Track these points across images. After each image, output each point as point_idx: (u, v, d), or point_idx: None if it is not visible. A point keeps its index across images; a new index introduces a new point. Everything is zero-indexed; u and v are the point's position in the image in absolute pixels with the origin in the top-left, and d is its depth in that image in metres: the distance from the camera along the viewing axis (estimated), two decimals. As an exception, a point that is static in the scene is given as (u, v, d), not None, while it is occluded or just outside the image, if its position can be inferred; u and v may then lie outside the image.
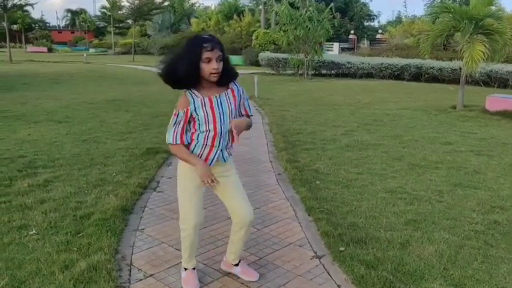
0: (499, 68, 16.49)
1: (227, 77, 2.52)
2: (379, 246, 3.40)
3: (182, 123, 2.54)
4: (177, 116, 2.53)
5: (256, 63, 25.91)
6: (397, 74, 19.48)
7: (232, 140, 2.68)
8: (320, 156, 6.10)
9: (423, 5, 45.75)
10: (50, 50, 49.10)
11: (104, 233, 3.53)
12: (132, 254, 3.29)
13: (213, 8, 50.42)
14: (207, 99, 2.51)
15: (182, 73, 2.42)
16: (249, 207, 2.74)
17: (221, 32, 39.30)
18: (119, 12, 49.42)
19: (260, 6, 35.56)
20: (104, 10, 61.38)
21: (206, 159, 2.63)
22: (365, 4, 41.22)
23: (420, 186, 4.90)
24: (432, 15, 10.82)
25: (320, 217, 3.91)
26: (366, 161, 5.89)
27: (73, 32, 69.20)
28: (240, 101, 2.64)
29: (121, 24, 58.03)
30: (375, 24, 45.75)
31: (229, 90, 2.59)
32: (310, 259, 3.25)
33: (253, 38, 28.71)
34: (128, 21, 51.02)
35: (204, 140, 2.59)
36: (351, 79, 19.97)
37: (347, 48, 35.33)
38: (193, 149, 2.61)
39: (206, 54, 2.38)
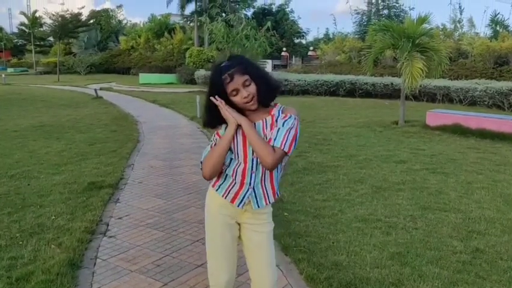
0: (427, 83, 17.27)
1: (265, 97, 2.09)
2: (372, 290, 3.09)
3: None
4: (213, 141, 2.19)
5: (191, 82, 25.37)
6: (332, 90, 19.86)
7: (272, 186, 2.21)
8: (280, 183, 5.75)
9: (351, 22, 47.78)
10: (-39, 70, 45.11)
11: (51, 299, 2.90)
12: (89, 325, 2.71)
13: (141, 25, 49.14)
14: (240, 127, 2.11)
15: (211, 119, 2.15)
16: (271, 276, 2.27)
17: (151, 49, 38.33)
18: (40, 29, 46.73)
19: (192, 24, 35.14)
20: (23, 27, 57.80)
21: (233, 199, 2.17)
22: (294, 22, 42.22)
23: (391, 211, 4.71)
24: (371, 33, 10.98)
25: (300, 257, 3.55)
26: (329, 186, 5.64)
27: (-14, 51, 64.50)
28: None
29: (42, 42, 54.83)
30: (304, 41, 46.98)
31: (269, 117, 2.13)
32: (302, 312, 2.86)
33: (187, 56, 28.14)
34: (51, 38, 48.40)
35: (233, 174, 2.14)
36: (288, 96, 20.05)
37: (279, 65, 35.85)
38: (222, 181, 2.18)
39: (229, 87, 2.02)
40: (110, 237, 4.07)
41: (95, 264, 3.53)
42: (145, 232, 4.18)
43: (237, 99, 2.04)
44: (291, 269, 3.44)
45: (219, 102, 2.06)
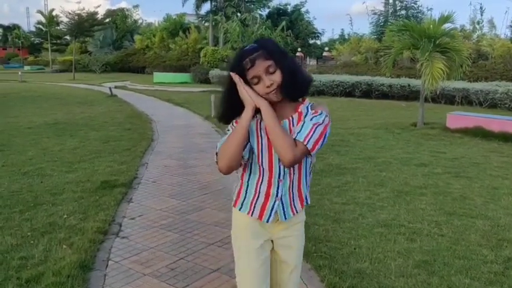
0: (446, 85, 16.87)
1: (290, 89, 1.78)
2: (398, 301, 2.90)
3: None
4: (230, 130, 1.89)
5: (205, 81, 25.29)
6: (348, 91, 19.58)
7: (300, 194, 1.94)
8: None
9: (368, 23, 47.31)
10: (-21, 68, 45.85)
11: (60, 303, 2.78)
12: (100, 333, 2.57)
13: (156, 24, 49.24)
14: (264, 124, 1.81)
15: (227, 109, 1.88)
16: None
17: (166, 49, 38.37)
18: (56, 27, 47.19)
19: (207, 23, 35.09)
20: (40, 26, 58.49)
21: (261, 214, 1.90)
22: (309, 22, 41.89)
23: (414, 217, 4.50)
24: (389, 34, 10.75)
25: (321, 264, 3.38)
26: (348, 188, 5.45)
27: (4, 49, 65.59)
28: None
29: (58, 41, 55.40)
30: (318, 42, 46.61)
31: (296, 114, 1.85)
32: (324, 324, 2.69)
33: (202, 55, 28.08)
34: (67, 37, 48.85)
35: (257, 184, 1.88)
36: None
37: (294, 65, 35.54)
38: (243, 197, 1.93)
39: (250, 74, 1.76)
40: (123, 238, 3.94)
41: (107, 266, 3.40)
42: (158, 233, 4.04)
43: (258, 88, 1.77)
44: (312, 276, 3.27)
45: (237, 79, 1.78)
